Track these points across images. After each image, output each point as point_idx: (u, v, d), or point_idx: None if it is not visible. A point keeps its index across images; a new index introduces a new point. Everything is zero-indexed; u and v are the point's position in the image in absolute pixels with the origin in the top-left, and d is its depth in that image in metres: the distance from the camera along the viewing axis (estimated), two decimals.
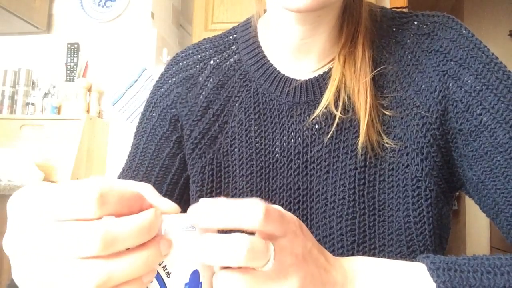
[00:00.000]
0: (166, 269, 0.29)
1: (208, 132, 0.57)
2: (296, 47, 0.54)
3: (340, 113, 0.51)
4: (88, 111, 1.99)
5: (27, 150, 1.84)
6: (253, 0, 0.60)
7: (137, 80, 2.00)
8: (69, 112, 2.02)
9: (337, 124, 0.52)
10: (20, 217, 0.27)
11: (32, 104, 2.05)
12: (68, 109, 2.04)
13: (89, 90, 2.03)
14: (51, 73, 2.11)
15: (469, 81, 0.48)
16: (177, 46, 2.35)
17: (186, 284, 0.30)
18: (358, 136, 0.51)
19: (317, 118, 0.53)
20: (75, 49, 2.10)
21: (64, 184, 0.27)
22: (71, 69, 2.09)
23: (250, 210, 0.28)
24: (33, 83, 2.09)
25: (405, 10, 0.58)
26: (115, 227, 0.25)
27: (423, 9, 0.57)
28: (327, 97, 0.51)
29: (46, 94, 2.04)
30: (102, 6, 2.13)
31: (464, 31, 0.50)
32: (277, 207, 0.32)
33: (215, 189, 0.57)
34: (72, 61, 2.10)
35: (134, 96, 2.01)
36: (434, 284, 0.34)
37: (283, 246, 0.30)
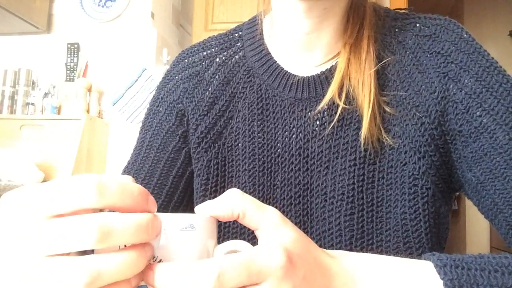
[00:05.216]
0: None
1: (214, 127, 0.58)
2: (302, 42, 0.54)
3: (344, 104, 0.51)
4: (88, 111, 1.99)
5: (27, 150, 1.83)
6: None
7: (137, 80, 2.00)
8: (69, 112, 2.01)
9: (338, 120, 0.52)
10: (8, 215, 0.26)
11: (32, 104, 2.05)
12: (68, 109, 2.03)
13: (89, 90, 2.03)
14: (51, 73, 2.11)
15: (469, 84, 0.48)
16: (177, 46, 2.35)
17: None
18: (358, 132, 0.51)
19: (319, 114, 0.53)
20: (75, 49, 2.10)
21: (57, 180, 0.26)
22: (71, 69, 2.09)
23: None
24: (33, 83, 2.09)
25: (407, 11, 0.58)
26: (112, 220, 0.25)
27: (424, 9, 0.57)
28: (332, 90, 0.52)
29: (46, 94, 2.04)
30: (102, 6, 2.13)
31: (465, 35, 0.51)
32: (275, 210, 0.32)
33: (220, 183, 0.57)
34: (72, 61, 2.10)
35: (134, 96, 2.01)
36: (441, 282, 0.34)
37: (264, 236, 0.30)
